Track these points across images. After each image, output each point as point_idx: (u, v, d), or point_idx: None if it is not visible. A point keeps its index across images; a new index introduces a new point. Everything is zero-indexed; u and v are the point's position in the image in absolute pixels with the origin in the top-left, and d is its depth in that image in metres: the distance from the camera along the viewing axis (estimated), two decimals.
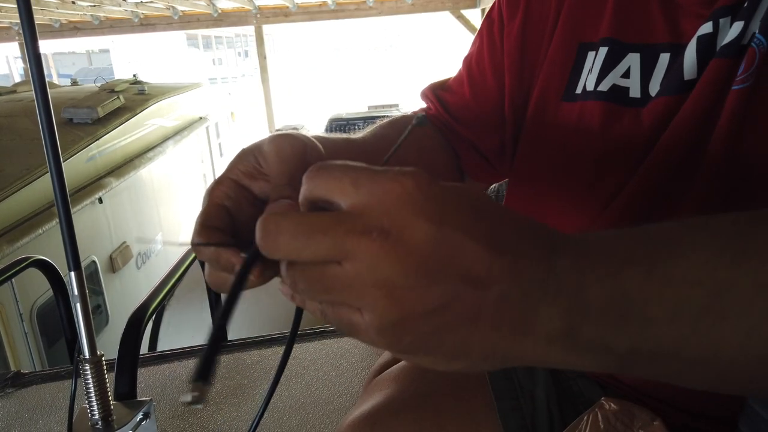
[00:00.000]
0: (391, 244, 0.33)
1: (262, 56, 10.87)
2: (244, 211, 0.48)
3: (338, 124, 7.74)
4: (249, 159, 0.48)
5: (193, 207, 7.63)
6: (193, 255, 1.46)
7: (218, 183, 0.48)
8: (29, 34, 0.67)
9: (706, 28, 0.56)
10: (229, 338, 1.74)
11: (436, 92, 0.82)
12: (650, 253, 0.35)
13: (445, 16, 9.93)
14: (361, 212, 0.34)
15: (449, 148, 0.80)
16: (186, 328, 3.50)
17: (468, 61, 0.82)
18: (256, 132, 11.96)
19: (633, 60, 0.63)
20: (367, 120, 7.78)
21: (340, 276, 0.34)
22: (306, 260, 0.35)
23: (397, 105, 9.30)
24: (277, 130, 10.66)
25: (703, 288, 0.33)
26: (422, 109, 0.85)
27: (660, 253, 0.35)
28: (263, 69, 10.86)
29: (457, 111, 0.80)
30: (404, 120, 0.76)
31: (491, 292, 0.34)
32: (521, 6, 0.73)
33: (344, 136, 0.63)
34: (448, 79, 0.85)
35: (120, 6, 8.79)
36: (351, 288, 0.34)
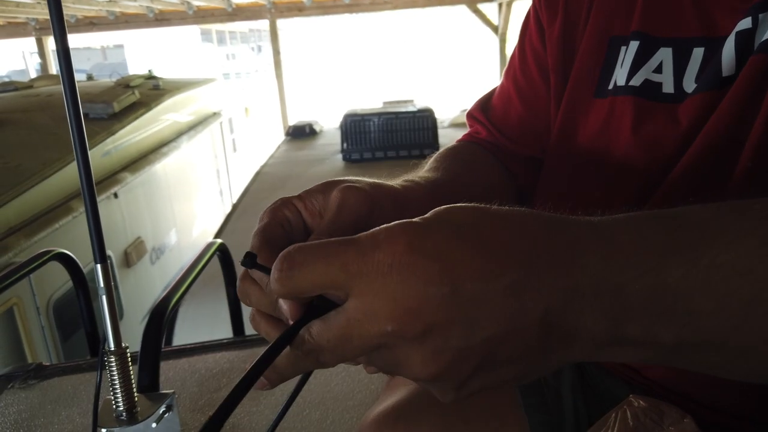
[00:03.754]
0: (431, 340, 0.34)
1: (276, 51, 10.88)
2: (295, 239, 0.48)
3: (353, 119, 7.74)
4: (317, 197, 0.49)
5: (207, 202, 7.66)
6: (213, 249, 1.47)
7: (283, 204, 0.49)
8: (59, 29, 0.67)
9: (745, 23, 0.55)
10: (246, 333, 1.74)
11: (487, 114, 0.81)
12: (693, 242, 0.34)
13: (461, 11, 9.88)
14: (399, 325, 0.34)
15: (504, 169, 0.78)
16: (201, 323, 3.52)
17: (512, 75, 0.80)
18: (271, 127, 11.98)
19: (665, 54, 0.62)
20: (381, 116, 7.76)
21: (397, 358, 0.36)
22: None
23: (412, 101, 9.28)
24: (291, 126, 10.67)
25: (752, 276, 0.32)
26: (471, 133, 0.83)
27: (703, 241, 0.34)
28: (277, 64, 10.87)
29: (512, 131, 0.78)
30: (458, 154, 0.73)
31: (533, 320, 0.34)
32: (560, 7, 0.72)
33: (418, 177, 0.59)
34: (491, 96, 0.83)
35: (135, 1, 8.84)
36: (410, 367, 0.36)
